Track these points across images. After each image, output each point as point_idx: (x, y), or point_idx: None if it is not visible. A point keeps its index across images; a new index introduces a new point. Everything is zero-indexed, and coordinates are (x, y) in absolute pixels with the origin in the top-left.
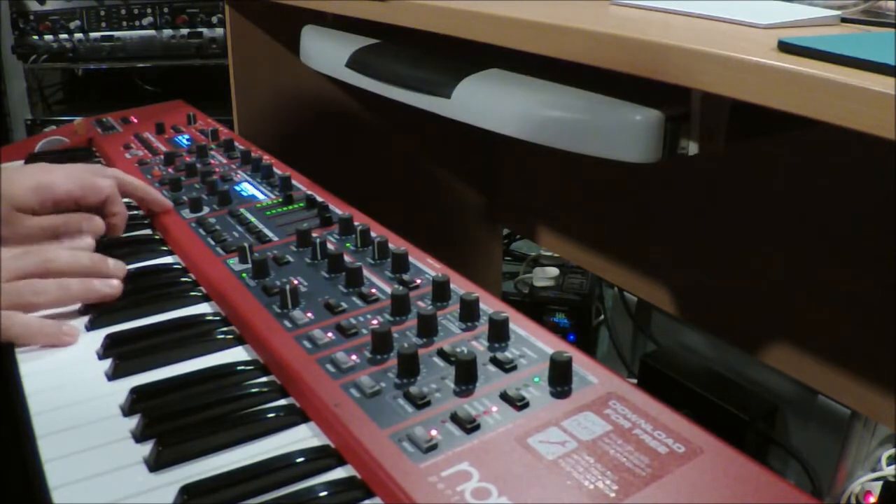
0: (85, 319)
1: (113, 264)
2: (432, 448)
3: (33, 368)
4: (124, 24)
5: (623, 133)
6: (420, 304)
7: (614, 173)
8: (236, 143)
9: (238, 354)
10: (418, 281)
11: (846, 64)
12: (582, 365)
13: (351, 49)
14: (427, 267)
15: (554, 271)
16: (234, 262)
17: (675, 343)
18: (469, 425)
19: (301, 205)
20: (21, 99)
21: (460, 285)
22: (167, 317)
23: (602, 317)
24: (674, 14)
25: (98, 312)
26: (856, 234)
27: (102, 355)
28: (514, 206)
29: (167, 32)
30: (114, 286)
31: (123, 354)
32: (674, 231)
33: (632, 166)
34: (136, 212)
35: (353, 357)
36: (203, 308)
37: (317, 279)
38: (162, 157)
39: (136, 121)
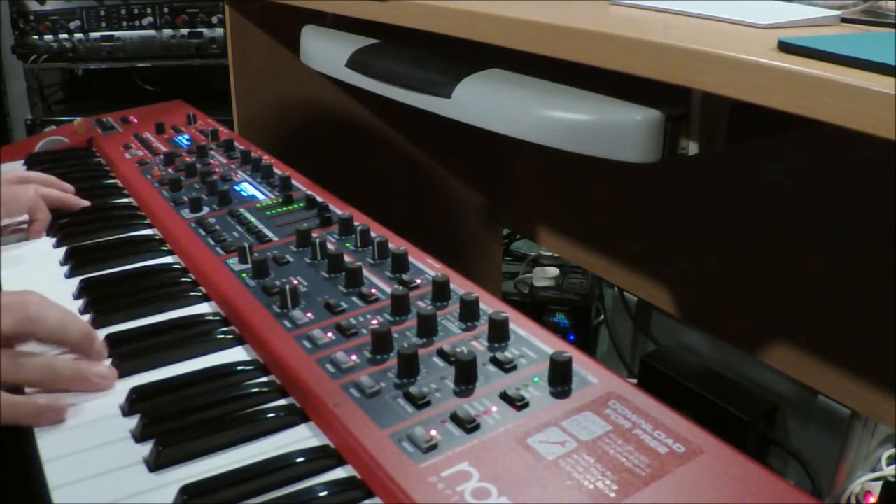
0: (85, 319)
1: (96, 370)
2: (432, 448)
3: None
4: (124, 24)
5: (623, 133)
6: (420, 304)
7: (614, 173)
8: (236, 143)
9: (238, 354)
10: (418, 281)
11: (846, 64)
12: (582, 365)
13: (351, 49)
14: (427, 267)
15: (554, 271)
16: (234, 262)
17: (675, 343)
18: (469, 425)
19: (301, 205)
20: (21, 99)
21: (460, 285)
22: (167, 317)
23: (602, 317)
24: (674, 14)
25: (98, 312)
26: (856, 234)
27: None
28: (514, 206)
29: (167, 32)
30: (108, 377)
31: (123, 354)
32: (674, 231)
33: (632, 166)
34: (136, 211)
35: (353, 357)
36: (203, 308)
37: (317, 279)
38: (162, 157)
39: (136, 121)
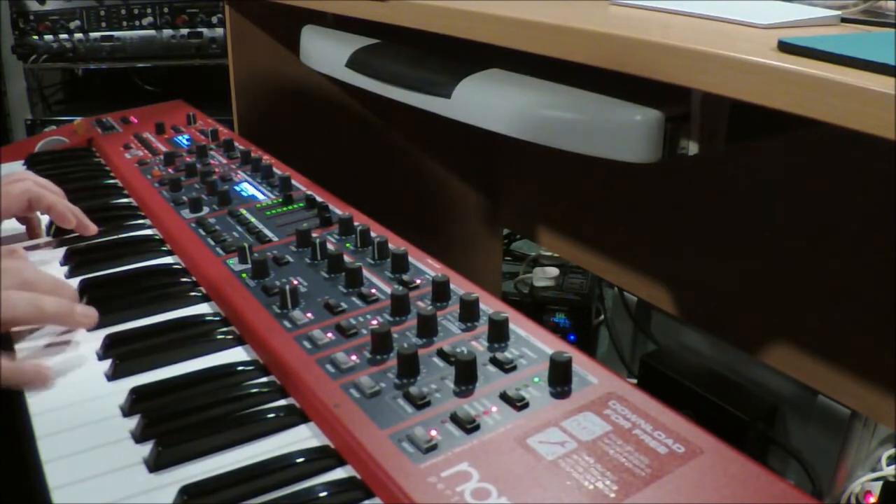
0: None
1: (81, 310)
2: (432, 448)
3: None
4: (124, 24)
5: (623, 133)
6: (420, 304)
7: (614, 173)
8: (236, 143)
9: (238, 355)
10: (418, 281)
11: (846, 64)
12: (582, 365)
13: (351, 49)
14: (427, 267)
15: (554, 271)
16: (233, 262)
17: (675, 343)
18: (469, 425)
19: (301, 205)
20: (21, 99)
21: (460, 285)
22: (167, 317)
23: (602, 317)
24: (674, 14)
25: (98, 312)
26: (856, 233)
27: (102, 356)
28: (514, 206)
29: (167, 32)
30: (90, 316)
31: (123, 355)
32: (674, 231)
33: (632, 166)
34: (136, 211)
35: (353, 357)
36: (203, 308)
37: (317, 279)
38: (162, 157)
39: (135, 121)
